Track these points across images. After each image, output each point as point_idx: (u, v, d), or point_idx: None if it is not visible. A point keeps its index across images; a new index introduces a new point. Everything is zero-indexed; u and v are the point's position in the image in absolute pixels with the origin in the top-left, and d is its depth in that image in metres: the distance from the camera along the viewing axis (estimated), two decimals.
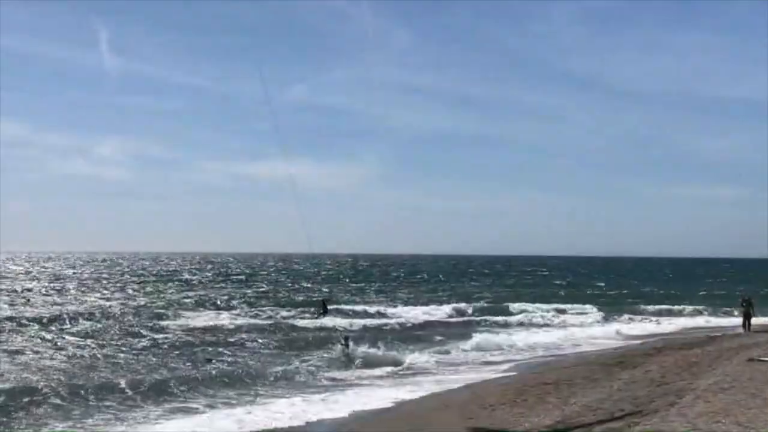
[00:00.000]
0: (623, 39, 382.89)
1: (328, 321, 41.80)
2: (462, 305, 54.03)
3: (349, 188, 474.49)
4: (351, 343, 29.70)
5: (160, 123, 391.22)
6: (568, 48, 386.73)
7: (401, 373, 26.64)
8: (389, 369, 27.03)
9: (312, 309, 47.51)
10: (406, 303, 58.25)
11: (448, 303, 56.11)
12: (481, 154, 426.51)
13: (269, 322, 42.54)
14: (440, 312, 50.81)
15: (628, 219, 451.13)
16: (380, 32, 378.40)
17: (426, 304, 56.71)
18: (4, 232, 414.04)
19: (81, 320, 41.33)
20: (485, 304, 57.04)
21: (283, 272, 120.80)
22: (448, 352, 31.56)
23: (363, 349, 29.54)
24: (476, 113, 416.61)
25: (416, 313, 49.28)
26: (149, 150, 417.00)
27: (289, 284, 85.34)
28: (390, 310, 51.02)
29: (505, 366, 28.18)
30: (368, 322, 43.61)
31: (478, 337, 34.75)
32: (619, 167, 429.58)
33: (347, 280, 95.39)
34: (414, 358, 29.13)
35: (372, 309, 51.62)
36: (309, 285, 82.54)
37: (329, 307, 46.75)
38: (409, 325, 43.90)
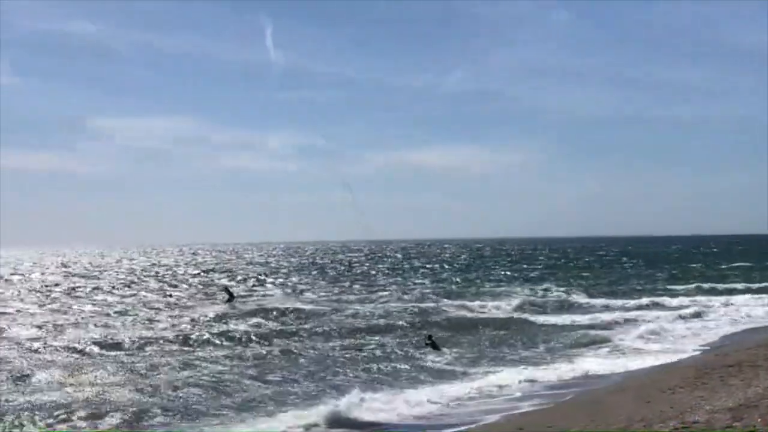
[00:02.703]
0: None
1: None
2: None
3: (506, 174, 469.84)
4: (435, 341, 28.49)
5: (322, 115, 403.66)
6: (728, 22, 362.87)
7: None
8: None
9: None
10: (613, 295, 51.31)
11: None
12: (642, 135, 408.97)
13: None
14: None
15: None
16: (535, 14, 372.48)
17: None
18: (183, 224, 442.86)
19: None
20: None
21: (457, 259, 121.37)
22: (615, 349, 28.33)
23: None
24: (636, 93, 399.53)
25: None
26: (313, 142, 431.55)
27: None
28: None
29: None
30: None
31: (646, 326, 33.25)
32: None
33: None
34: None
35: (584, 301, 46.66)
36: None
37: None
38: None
